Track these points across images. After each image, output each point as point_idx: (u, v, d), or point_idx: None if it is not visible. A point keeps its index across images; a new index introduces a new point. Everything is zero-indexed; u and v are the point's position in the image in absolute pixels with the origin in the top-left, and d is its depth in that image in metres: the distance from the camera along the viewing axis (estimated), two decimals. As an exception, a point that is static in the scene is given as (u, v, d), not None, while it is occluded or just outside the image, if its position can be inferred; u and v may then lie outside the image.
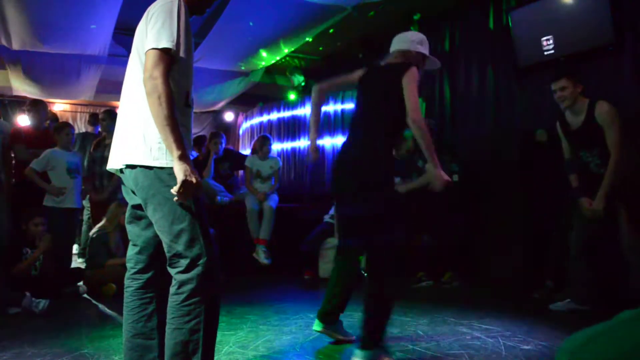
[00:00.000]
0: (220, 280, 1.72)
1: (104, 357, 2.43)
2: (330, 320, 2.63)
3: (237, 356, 2.43)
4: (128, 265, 1.88)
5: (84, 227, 5.73)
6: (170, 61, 1.65)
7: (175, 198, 1.62)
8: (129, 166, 1.72)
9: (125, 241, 4.37)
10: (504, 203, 4.35)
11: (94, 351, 2.53)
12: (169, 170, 1.65)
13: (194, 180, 1.60)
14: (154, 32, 1.65)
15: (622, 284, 3.23)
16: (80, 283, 4.15)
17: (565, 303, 3.37)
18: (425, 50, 2.56)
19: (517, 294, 3.95)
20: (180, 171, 1.60)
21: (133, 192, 1.79)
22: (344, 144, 2.59)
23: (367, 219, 2.35)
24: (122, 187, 1.90)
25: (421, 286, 4.38)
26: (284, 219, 5.05)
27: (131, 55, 1.82)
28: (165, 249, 1.70)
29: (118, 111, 1.86)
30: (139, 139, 1.69)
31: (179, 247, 1.65)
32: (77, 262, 5.34)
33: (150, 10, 1.74)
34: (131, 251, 1.89)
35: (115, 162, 1.79)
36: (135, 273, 1.86)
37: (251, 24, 5.51)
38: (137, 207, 1.83)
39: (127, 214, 1.90)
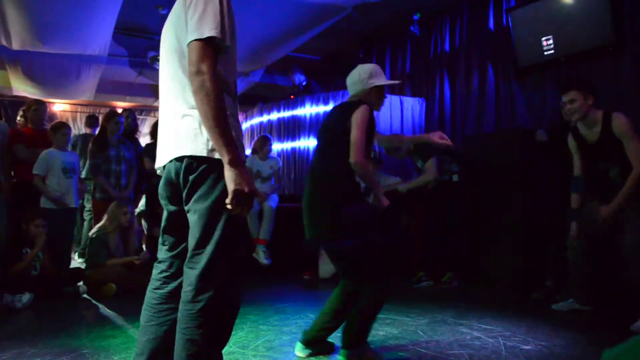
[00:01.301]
0: (240, 288, 1.61)
1: (103, 357, 2.43)
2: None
3: (237, 356, 2.43)
4: (161, 266, 1.74)
5: (85, 227, 5.72)
6: (216, 52, 1.49)
7: (228, 206, 1.44)
8: (178, 159, 1.56)
9: (125, 241, 4.37)
10: (504, 203, 4.34)
11: (93, 351, 2.53)
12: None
13: (246, 189, 1.43)
14: (194, 21, 1.48)
15: (624, 285, 3.23)
16: (80, 283, 4.14)
17: (567, 303, 3.37)
18: (377, 80, 2.46)
19: (517, 294, 3.95)
20: (230, 179, 1.42)
21: (172, 185, 1.64)
22: (306, 182, 2.53)
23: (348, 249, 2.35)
24: (162, 184, 1.72)
25: (421, 286, 4.38)
26: (284, 219, 5.04)
27: (165, 46, 1.67)
28: (191, 245, 1.55)
29: (160, 108, 1.71)
30: (195, 130, 1.53)
31: (210, 246, 1.52)
32: (77, 262, 5.34)
33: None
34: (166, 254, 1.73)
35: (165, 157, 1.63)
36: (167, 277, 1.71)
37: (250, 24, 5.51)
38: None
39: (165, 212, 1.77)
